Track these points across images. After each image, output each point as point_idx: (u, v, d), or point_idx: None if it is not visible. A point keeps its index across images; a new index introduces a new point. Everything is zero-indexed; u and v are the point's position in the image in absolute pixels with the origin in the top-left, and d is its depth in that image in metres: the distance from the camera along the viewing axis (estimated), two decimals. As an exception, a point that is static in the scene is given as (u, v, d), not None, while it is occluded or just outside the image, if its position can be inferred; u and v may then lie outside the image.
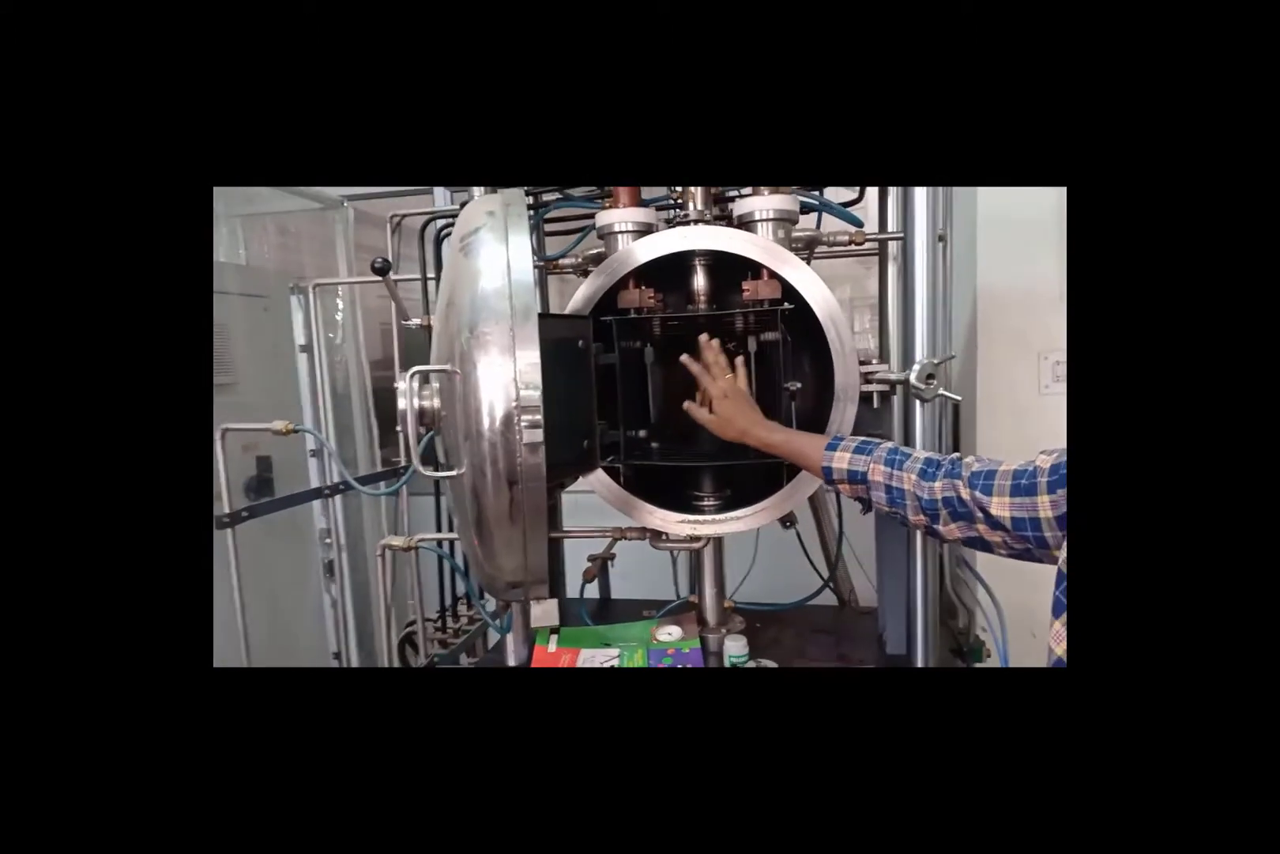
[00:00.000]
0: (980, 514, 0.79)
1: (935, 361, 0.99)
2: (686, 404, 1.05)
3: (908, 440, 1.07)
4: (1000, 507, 0.76)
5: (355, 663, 1.87)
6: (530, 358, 0.70)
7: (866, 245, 1.21)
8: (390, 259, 1.02)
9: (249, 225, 1.86)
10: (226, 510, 1.26)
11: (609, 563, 1.45)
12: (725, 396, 1.01)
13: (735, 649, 1.17)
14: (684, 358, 1.04)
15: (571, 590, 1.44)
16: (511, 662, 1.25)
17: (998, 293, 1.57)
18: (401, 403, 0.76)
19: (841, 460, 0.93)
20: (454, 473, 0.74)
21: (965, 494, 0.80)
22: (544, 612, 0.84)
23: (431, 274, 1.49)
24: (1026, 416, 1.56)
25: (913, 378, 0.99)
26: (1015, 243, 1.53)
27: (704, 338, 1.05)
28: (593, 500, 1.15)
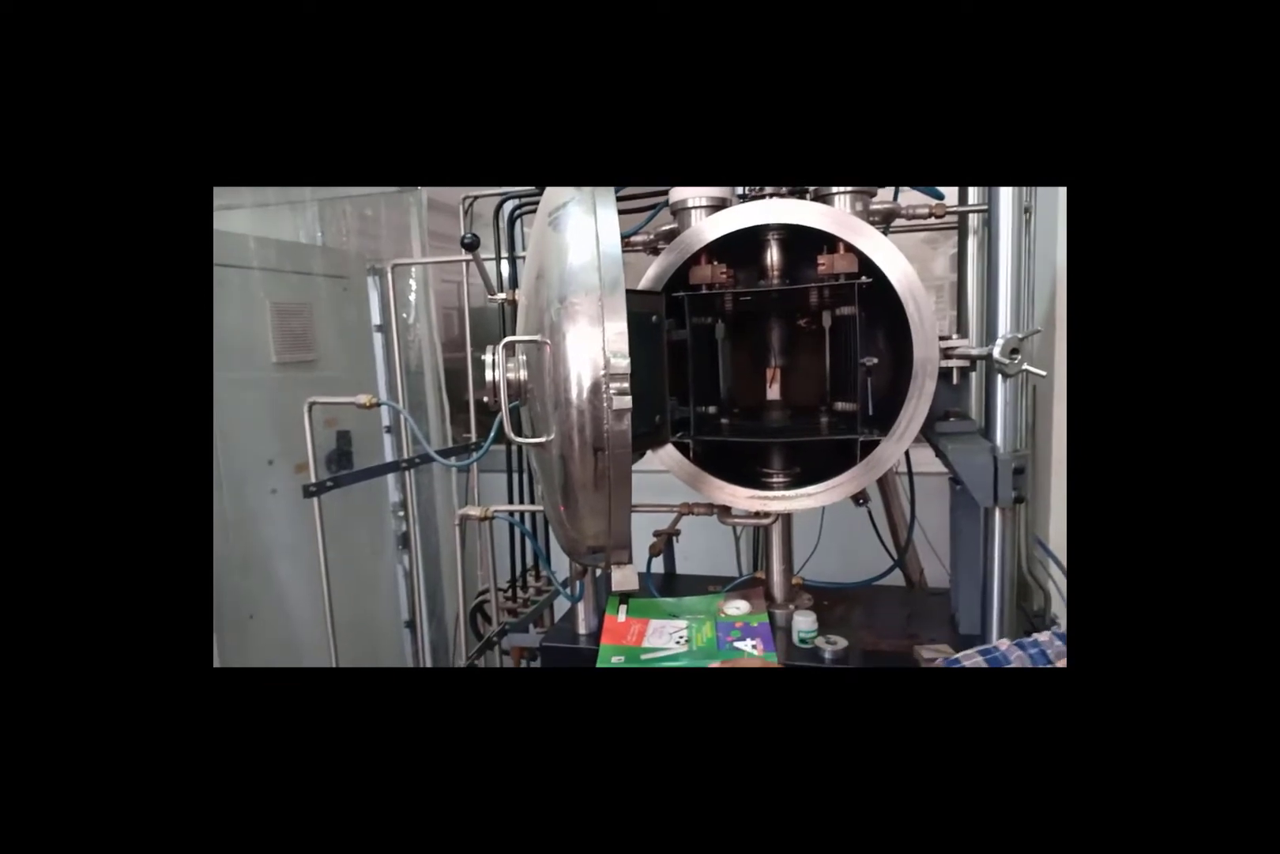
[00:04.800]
0: None
1: (1020, 336, 0.97)
2: None
3: (989, 418, 1.05)
4: None
5: (426, 632, 1.95)
6: (618, 327, 0.72)
7: (945, 218, 1.18)
8: (477, 235, 1.05)
9: (326, 208, 1.94)
10: (313, 480, 1.33)
11: (674, 538, 1.47)
12: None
13: (805, 625, 1.18)
14: None
15: (638, 565, 1.47)
16: (582, 630, 1.29)
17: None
18: (491, 374, 0.79)
19: None
20: (543, 440, 0.76)
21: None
22: (624, 576, 0.86)
23: (505, 253, 1.53)
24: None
25: (996, 353, 0.97)
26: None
27: None
28: (653, 480, 1.17)
